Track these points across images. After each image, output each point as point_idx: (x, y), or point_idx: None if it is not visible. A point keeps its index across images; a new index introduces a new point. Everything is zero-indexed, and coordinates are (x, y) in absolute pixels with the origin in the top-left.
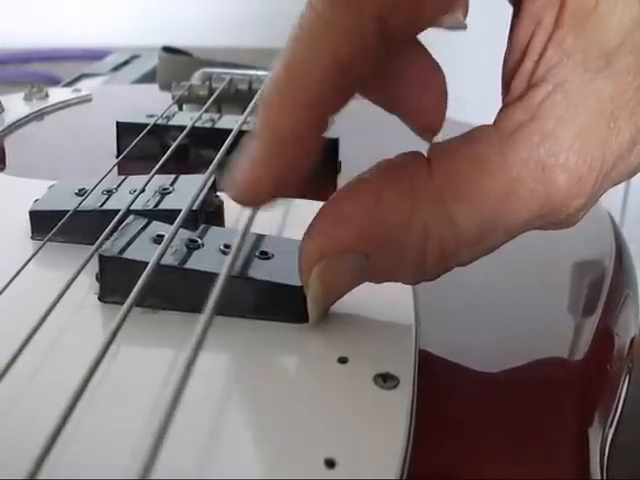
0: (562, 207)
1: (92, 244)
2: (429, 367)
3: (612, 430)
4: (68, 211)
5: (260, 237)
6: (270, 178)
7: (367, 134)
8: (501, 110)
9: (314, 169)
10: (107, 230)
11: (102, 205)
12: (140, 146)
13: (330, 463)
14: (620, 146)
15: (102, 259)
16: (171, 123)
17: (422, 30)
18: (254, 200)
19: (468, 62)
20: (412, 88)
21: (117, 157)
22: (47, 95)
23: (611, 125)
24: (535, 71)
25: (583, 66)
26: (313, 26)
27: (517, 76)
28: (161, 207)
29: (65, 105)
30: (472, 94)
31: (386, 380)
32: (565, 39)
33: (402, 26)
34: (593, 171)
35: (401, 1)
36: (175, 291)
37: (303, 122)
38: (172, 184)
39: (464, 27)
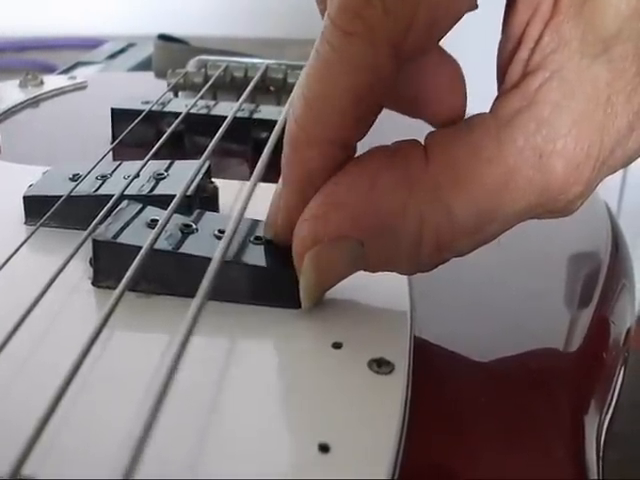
0: (560, 195)
1: (86, 229)
2: (423, 355)
3: (608, 418)
4: (62, 196)
5: (255, 222)
6: None
7: None
8: (497, 98)
9: None
10: (101, 215)
11: (96, 190)
12: (135, 132)
13: (324, 448)
14: (617, 132)
15: (96, 244)
16: (166, 110)
17: (437, 43)
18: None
19: (467, 50)
20: (433, 89)
21: (112, 143)
22: (42, 82)
23: (608, 111)
24: (531, 58)
25: (580, 53)
26: (328, 60)
27: (513, 64)
28: (155, 192)
29: (60, 92)
30: (472, 82)
31: (381, 365)
32: (562, 26)
33: (417, 47)
34: (591, 157)
35: (414, 26)
36: (169, 276)
37: (331, 157)
38: (167, 170)
39: (475, 7)
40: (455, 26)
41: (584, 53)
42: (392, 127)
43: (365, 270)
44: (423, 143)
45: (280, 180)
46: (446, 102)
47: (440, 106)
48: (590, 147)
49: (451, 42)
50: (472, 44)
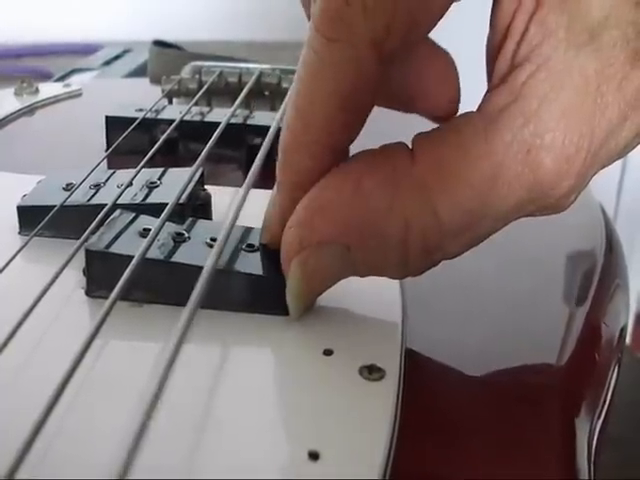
0: (551, 189)
1: (80, 239)
2: (415, 361)
3: (601, 420)
4: (55, 206)
5: (247, 230)
6: None
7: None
8: (485, 94)
9: None
10: (94, 224)
11: (89, 200)
12: (129, 140)
13: (314, 455)
14: (609, 122)
15: (88, 253)
16: (160, 117)
17: (421, 39)
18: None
19: (460, 48)
20: (426, 83)
21: (106, 151)
22: (37, 90)
23: (598, 100)
24: (517, 52)
25: (566, 43)
26: (312, 65)
27: (500, 58)
28: (148, 201)
29: (55, 100)
30: (465, 80)
31: (372, 372)
32: (547, 17)
33: (399, 45)
34: (581, 150)
35: (394, 24)
36: (161, 285)
37: (321, 160)
38: (160, 178)
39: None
40: (447, 24)
41: (571, 43)
42: (387, 131)
43: (354, 275)
44: (410, 145)
45: (275, 185)
46: (439, 94)
47: (434, 98)
48: (580, 139)
49: (444, 40)
50: (464, 42)
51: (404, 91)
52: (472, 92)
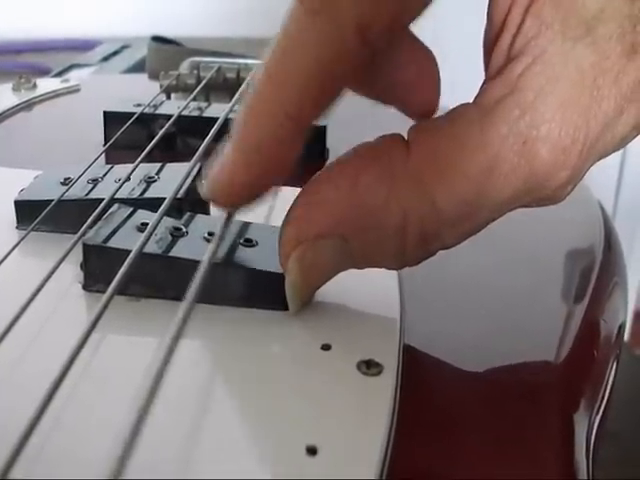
0: (546, 181)
1: (77, 233)
2: (413, 356)
3: (599, 417)
4: (53, 200)
5: (245, 225)
6: (250, 182)
7: (355, 121)
8: (481, 86)
9: (301, 156)
10: (91, 219)
11: (87, 194)
12: (127, 135)
13: (312, 450)
14: (605, 115)
15: (86, 248)
16: (158, 112)
17: (407, 26)
18: (233, 203)
19: (458, 44)
20: (405, 78)
21: (104, 147)
22: (35, 85)
23: (594, 93)
24: (513, 44)
25: (562, 35)
26: (293, 36)
27: (496, 50)
28: (146, 195)
29: (53, 95)
30: (462, 76)
31: (370, 367)
32: (542, 9)
33: (384, 31)
34: (577, 142)
35: (381, 10)
36: (159, 279)
37: (285, 129)
38: (158, 173)
39: None
40: (445, 18)
41: (566, 35)
42: (385, 123)
43: (352, 267)
44: (406, 136)
45: (229, 141)
46: (418, 91)
47: (412, 95)
48: (576, 131)
49: (442, 33)
50: (460, 35)
51: (384, 83)
52: (468, 85)
